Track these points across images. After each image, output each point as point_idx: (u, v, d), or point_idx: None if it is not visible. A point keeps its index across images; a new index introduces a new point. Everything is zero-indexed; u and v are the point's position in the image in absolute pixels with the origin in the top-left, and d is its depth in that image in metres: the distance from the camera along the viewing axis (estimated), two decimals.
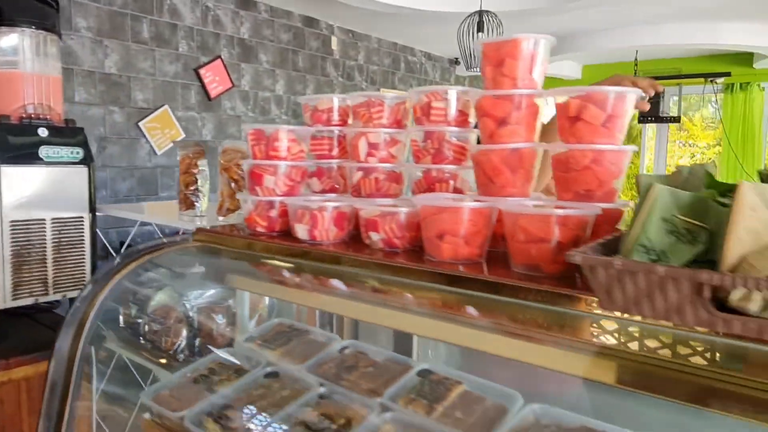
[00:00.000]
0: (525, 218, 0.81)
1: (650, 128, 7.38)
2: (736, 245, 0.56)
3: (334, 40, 5.04)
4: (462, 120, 1.09)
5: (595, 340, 0.69)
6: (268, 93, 4.48)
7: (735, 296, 0.56)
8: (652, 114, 6.50)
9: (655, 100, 6.56)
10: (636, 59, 6.09)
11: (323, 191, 1.25)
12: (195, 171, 1.66)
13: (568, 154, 0.93)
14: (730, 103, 6.54)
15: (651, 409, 0.85)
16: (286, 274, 1.06)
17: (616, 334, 0.67)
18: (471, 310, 0.82)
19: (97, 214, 2.18)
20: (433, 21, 4.76)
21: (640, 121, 6.73)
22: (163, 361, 1.55)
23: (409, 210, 0.97)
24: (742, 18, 5.06)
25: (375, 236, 1.00)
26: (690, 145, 8.40)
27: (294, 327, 1.33)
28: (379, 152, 1.15)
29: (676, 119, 6.60)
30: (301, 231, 1.06)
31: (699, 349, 0.61)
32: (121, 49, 3.49)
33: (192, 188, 1.67)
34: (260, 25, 4.37)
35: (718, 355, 0.61)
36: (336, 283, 0.99)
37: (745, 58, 6.17)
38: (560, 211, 0.80)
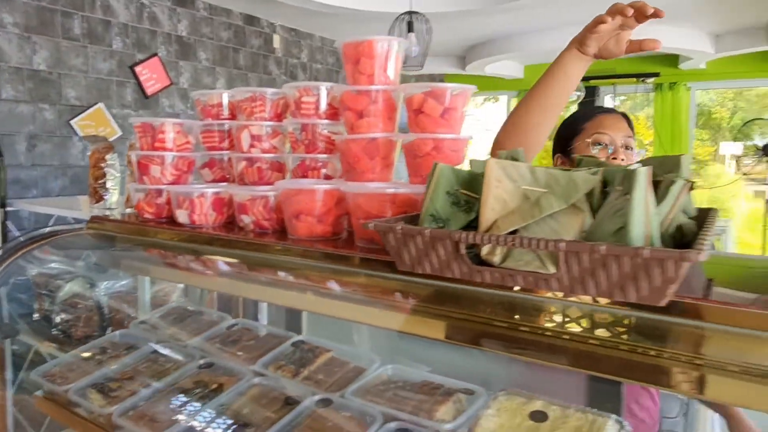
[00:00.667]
0: (361, 197, 0.93)
1: None
2: (488, 211, 0.69)
3: (276, 39, 5.10)
4: (332, 113, 1.20)
5: (401, 299, 0.81)
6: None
7: (484, 251, 0.69)
8: None
9: (591, 98, 6.88)
10: None
11: (214, 180, 1.34)
12: (103, 165, 1.72)
13: (413, 142, 1.05)
14: (660, 102, 6.91)
15: (468, 359, 0.99)
16: (170, 256, 1.15)
17: (408, 292, 0.80)
18: (318, 280, 0.93)
19: (8, 209, 2.19)
20: (372, 21, 4.88)
21: None
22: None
23: (275, 193, 1.07)
24: (666, 21, 5.37)
25: (246, 219, 1.10)
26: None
27: (188, 309, 1.42)
28: (262, 143, 1.25)
29: None
30: (182, 216, 1.15)
31: (467, 298, 0.74)
32: (50, 46, 3.47)
33: (101, 182, 1.73)
34: (199, 23, 4.40)
35: (483, 304, 0.74)
36: (212, 262, 1.08)
37: (672, 60, 6.53)
38: (390, 190, 0.91)
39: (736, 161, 6.64)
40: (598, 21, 1.06)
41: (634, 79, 6.82)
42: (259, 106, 1.25)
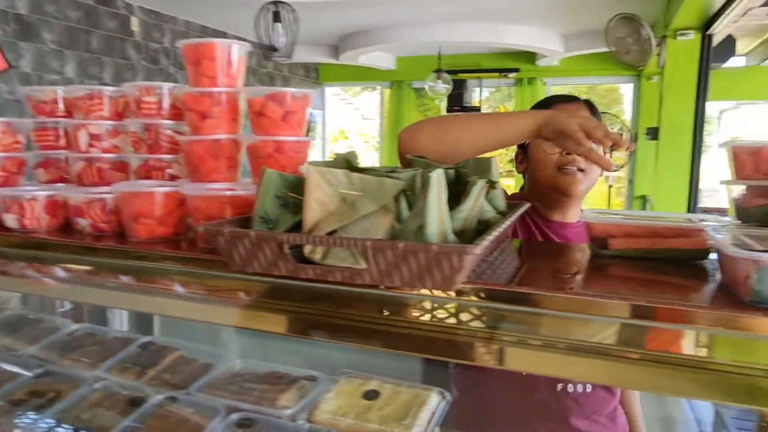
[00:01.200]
0: (199, 199, 0.95)
1: None
2: (310, 213, 0.75)
3: (134, 21, 4.78)
4: (177, 113, 1.19)
5: (238, 297, 0.85)
6: (55, 76, 4.12)
7: (306, 250, 0.75)
8: (457, 105, 7.21)
9: (459, 91, 7.27)
10: (439, 54, 6.67)
11: (51, 181, 1.27)
12: None
13: (255, 144, 1.08)
14: (520, 96, 7.49)
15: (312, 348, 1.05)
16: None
17: (243, 290, 0.84)
18: (157, 281, 0.94)
19: None
20: (241, 6, 4.75)
21: (447, 111, 7.40)
22: None
23: (113, 195, 1.05)
24: (523, 22, 5.83)
25: (83, 222, 1.06)
26: None
27: (27, 317, 1.34)
28: (102, 143, 1.21)
29: (477, 109, 7.41)
30: (10, 220, 1.09)
31: (295, 293, 0.80)
32: None
33: None
34: (41, 1, 4.00)
35: (311, 297, 0.81)
36: (46, 268, 1.04)
37: (530, 57, 7.11)
38: (227, 192, 0.95)
39: None
40: (574, 133, 0.96)
41: (498, 74, 7.33)
42: (97, 104, 1.21)
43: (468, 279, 0.73)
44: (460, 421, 1.17)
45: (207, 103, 1.11)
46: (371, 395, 0.96)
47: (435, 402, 0.96)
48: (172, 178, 1.20)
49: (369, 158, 11.30)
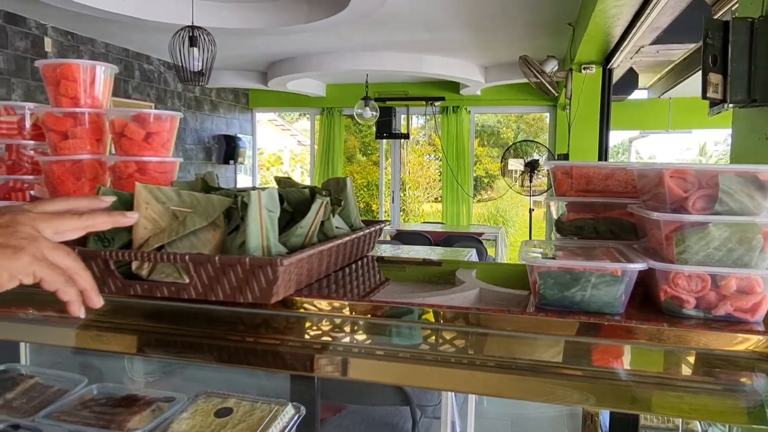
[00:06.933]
0: None
1: (387, 143, 8.31)
2: (140, 230, 0.77)
3: (48, 42, 4.63)
4: (38, 134, 1.18)
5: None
6: None
7: (134, 266, 0.76)
8: (386, 131, 7.37)
9: (388, 118, 7.43)
10: (366, 81, 6.83)
11: None
12: None
13: (116, 164, 1.09)
14: (446, 124, 7.75)
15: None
16: None
17: None
18: None
19: None
20: (161, 30, 4.70)
21: (377, 137, 7.55)
22: None
23: None
24: (444, 53, 6.07)
25: None
26: (438, 159, 9.75)
27: None
28: None
29: (405, 135, 7.60)
30: None
31: (129, 310, 0.81)
32: None
33: None
34: None
35: (143, 314, 0.81)
36: None
37: (454, 86, 7.39)
38: None
39: (519, 175, 7.57)
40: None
41: (424, 102, 7.57)
42: None
43: (298, 292, 0.77)
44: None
45: (68, 124, 1.10)
46: (223, 413, 0.96)
47: (289, 416, 0.98)
48: (34, 199, 1.18)
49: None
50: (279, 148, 11.58)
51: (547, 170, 0.96)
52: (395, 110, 7.59)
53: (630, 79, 5.70)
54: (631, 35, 3.71)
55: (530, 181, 6.69)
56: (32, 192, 1.18)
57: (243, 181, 8.09)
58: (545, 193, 7.46)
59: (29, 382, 1.11)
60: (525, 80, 5.68)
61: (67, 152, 1.11)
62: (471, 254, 4.66)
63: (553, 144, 7.23)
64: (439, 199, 9.59)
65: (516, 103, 7.64)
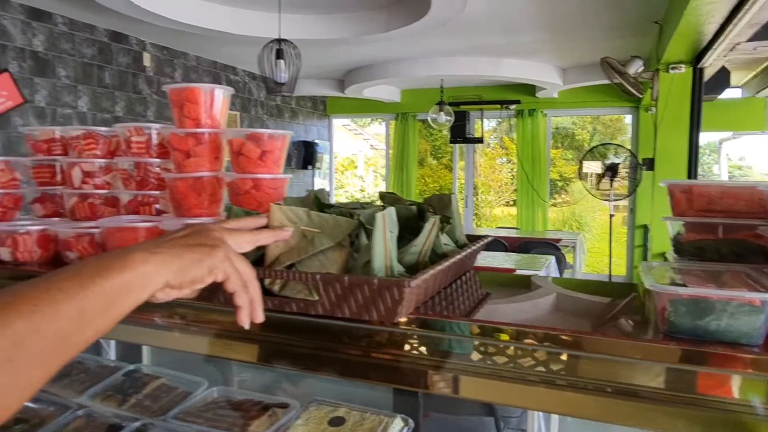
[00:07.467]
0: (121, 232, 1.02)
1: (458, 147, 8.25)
2: (273, 248, 0.82)
3: (146, 57, 4.97)
4: (165, 152, 1.28)
5: (210, 327, 0.91)
6: (69, 110, 4.28)
7: (266, 282, 0.81)
8: (460, 136, 7.32)
9: (462, 122, 7.38)
10: (441, 87, 6.83)
11: (47, 215, 1.35)
12: None
13: (234, 181, 1.16)
14: (521, 127, 7.60)
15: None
16: None
17: (216, 320, 0.90)
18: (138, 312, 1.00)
19: None
20: (247, 43, 4.93)
21: (451, 142, 7.51)
22: None
23: (99, 230, 1.13)
24: (519, 56, 5.97)
25: (71, 255, 1.14)
26: (511, 162, 9.60)
27: None
28: (95, 179, 1.30)
29: (479, 140, 7.52)
30: (4, 254, 1.16)
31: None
32: None
33: None
34: (57, 38, 4.18)
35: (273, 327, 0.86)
36: None
37: (530, 89, 7.24)
38: (146, 224, 1.02)
39: (596, 178, 7.31)
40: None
41: (499, 106, 7.46)
42: (91, 143, 1.30)
43: (417, 311, 0.79)
44: None
45: (190, 143, 1.19)
46: (336, 422, 1.01)
47: (398, 428, 1.01)
48: (159, 212, 1.28)
49: (377, 187, 11.43)
50: (353, 152, 11.79)
51: (664, 186, 0.94)
52: (469, 114, 7.52)
53: (721, 78, 5.35)
54: (726, 32, 3.49)
55: (610, 185, 6.43)
56: (157, 206, 1.28)
57: (319, 184, 8.30)
58: (626, 198, 7.15)
59: (156, 382, 1.21)
60: (605, 81, 5.49)
61: (190, 170, 1.19)
62: (550, 262, 4.55)
63: (635, 146, 6.91)
64: (511, 203, 9.41)
65: (594, 105, 7.37)
